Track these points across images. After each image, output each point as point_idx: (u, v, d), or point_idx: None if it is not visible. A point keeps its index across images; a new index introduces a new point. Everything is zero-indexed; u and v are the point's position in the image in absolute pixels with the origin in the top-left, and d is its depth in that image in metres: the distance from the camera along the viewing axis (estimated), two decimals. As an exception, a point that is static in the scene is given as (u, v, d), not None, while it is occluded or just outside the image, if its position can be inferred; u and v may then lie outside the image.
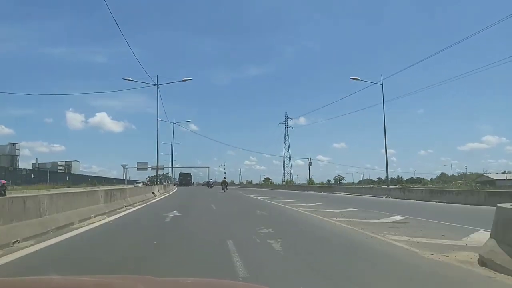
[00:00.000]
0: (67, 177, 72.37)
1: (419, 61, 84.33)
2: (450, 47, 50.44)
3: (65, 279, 1.80)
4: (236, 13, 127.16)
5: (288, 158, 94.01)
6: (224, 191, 34.27)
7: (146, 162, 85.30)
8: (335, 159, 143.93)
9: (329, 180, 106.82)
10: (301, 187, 43.29)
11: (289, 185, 48.10)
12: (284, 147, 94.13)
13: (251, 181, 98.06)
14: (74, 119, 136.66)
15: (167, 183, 51.76)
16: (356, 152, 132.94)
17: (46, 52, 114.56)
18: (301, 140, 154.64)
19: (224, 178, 42.73)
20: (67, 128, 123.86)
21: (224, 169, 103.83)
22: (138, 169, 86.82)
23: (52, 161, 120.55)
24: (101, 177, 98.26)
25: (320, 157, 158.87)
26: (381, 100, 31.58)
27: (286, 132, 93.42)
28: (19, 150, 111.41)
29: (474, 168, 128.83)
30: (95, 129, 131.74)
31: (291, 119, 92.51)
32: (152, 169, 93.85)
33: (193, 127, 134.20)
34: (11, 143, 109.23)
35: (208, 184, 59.87)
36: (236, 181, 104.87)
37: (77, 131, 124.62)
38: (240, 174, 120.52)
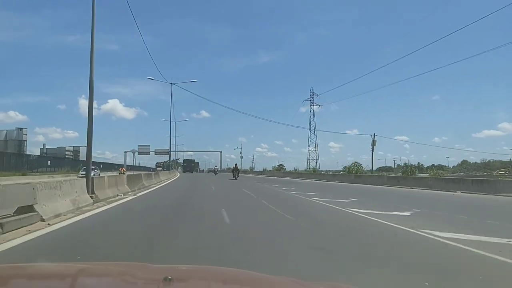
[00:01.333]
0: (48, 162, 56.07)
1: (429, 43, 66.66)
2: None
3: (61, 266, 1.79)
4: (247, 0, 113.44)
5: (314, 141, 75.65)
6: (236, 179, 30.22)
7: (149, 145, 69.24)
8: (346, 146, 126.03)
9: (344, 167, 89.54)
10: (379, 178, 24.46)
11: (357, 175, 28.81)
12: (310, 128, 75.37)
13: (281, 167, 77.11)
14: (87, 106, 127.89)
15: (159, 171, 34.79)
16: (367, 139, 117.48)
17: (58, 40, 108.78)
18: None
19: (236, 164, 35.23)
20: (80, 114, 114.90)
21: (241, 152, 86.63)
22: (139, 153, 70.80)
23: (60, 146, 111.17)
24: (109, 163, 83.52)
25: (332, 144, 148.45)
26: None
27: (312, 110, 74.63)
28: (26, 135, 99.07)
29: (488, 155, 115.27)
30: (108, 116, 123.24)
31: (317, 95, 73.58)
32: (156, 153, 78.11)
33: (205, 114, 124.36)
34: (18, 128, 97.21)
35: (214, 171, 56.40)
36: (245, 168, 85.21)
37: None
38: (253, 160, 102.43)
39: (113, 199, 11.13)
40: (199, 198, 12.52)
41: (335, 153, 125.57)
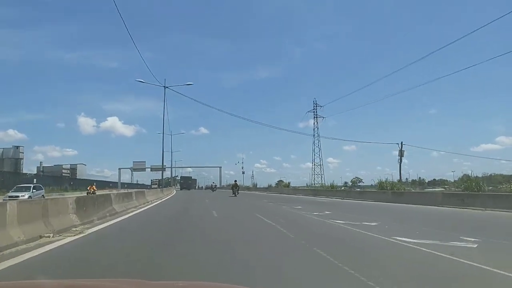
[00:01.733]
0: (34, 180, 50.17)
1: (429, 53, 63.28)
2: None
3: (57, 283, 1.70)
4: (244, 15, 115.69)
5: (318, 155, 70.20)
6: (235, 195, 28.62)
7: (144, 162, 63.26)
8: (345, 162, 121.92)
9: (346, 183, 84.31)
10: (431, 196, 18.13)
11: (395, 192, 20.87)
12: (314, 142, 70.27)
13: (281, 183, 69.31)
14: (86, 123, 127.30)
15: (146, 190, 29.32)
16: (366, 154, 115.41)
17: (58, 57, 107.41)
18: (310, 143, 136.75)
19: (235, 181, 33.32)
20: (79, 132, 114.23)
21: (242, 167, 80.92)
22: (134, 170, 64.92)
23: (57, 164, 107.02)
24: (104, 181, 78.03)
25: (330, 159, 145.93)
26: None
27: (316, 122, 69.52)
28: (23, 153, 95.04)
29: (486, 169, 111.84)
30: (107, 133, 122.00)
31: (321, 106, 68.45)
32: (152, 169, 72.11)
33: (203, 130, 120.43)
34: (14, 146, 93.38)
35: (211, 187, 54.41)
36: (247, 184, 75.73)
37: (89, 136, 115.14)
38: (252, 176, 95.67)
39: (19, 247, 5.52)
40: (190, 241, 6.87)
41: (333, 169, 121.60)
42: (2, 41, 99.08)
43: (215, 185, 58.43)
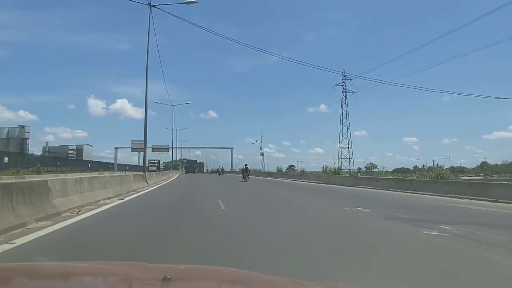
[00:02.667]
0: (5, 159, 44.00)
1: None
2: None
3: (59, 265, 1.71)
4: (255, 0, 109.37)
5: (346, 136, 57.45)
6: (246, 180, 26.16)
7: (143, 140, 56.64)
8: (355, 147, 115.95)
9: (359, 169, 76.10)
10: None
11: None
12: (341, 120, 57.44)
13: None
14: (96, 105, 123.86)
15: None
16: (376, 140, 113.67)
17: (68, 39, 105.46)
18: (320, 128, 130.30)
19: (246, 165, 30.02)
20: (89, 114, 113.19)
21: (261, 147, 72.90)
22: (132, 149, 58.74)
23: (63, 145, 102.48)
24: (105, 162, 72.58)
25: (340, 145, 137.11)
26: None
27: (345, 97, 56.54)
28: (28, 133, 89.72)
29: (499, 157, 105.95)
30: (116, 116, 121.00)
31: (350, 79, 55.13)
32: (153, 149, 65.24)
33: (212, 114, 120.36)
34: (20, 125, 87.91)
35: (217, 171, 51.92)
36: (257, 169, 62.79)
37: (99, 118, 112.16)
38: (263, 161, 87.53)
39: None
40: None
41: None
42: (14, 23, 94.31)
43: (222, 169, 54.84)
